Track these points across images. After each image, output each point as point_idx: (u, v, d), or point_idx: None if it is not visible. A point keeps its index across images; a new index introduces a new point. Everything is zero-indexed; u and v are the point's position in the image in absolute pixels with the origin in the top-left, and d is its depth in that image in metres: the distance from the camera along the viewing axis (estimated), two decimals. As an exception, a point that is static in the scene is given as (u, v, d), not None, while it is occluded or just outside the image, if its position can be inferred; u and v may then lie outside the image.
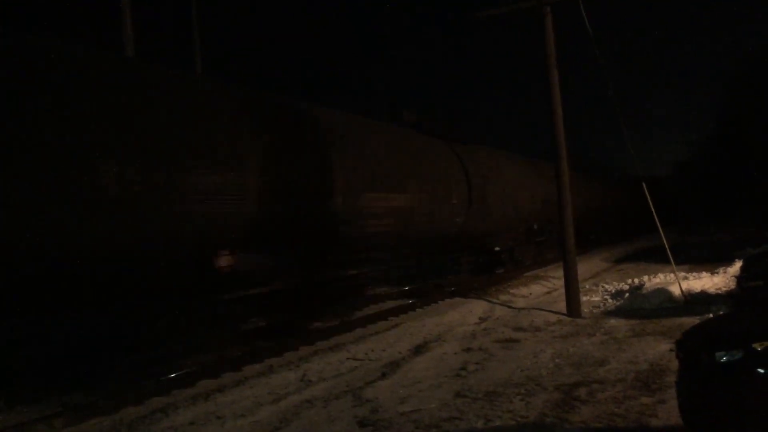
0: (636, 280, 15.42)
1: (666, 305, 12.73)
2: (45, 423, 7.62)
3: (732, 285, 13.54)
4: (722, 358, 4.71)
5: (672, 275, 14.22)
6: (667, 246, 14.02)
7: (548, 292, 16.88)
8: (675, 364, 5.46)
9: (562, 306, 13.06)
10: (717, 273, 15.39)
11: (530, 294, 16.99)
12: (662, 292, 13.30)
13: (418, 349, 10.64)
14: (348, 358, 10.27)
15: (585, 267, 20.19)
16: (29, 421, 7.71)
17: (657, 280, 14.90)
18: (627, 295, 13.93)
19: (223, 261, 9.12)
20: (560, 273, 14.05)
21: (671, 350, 8.17)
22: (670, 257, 13.84)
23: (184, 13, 20.06)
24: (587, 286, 16.30)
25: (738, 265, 14.14)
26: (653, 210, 13.79)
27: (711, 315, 10.62)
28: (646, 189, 14.06)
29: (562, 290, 13.35)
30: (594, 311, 13.12)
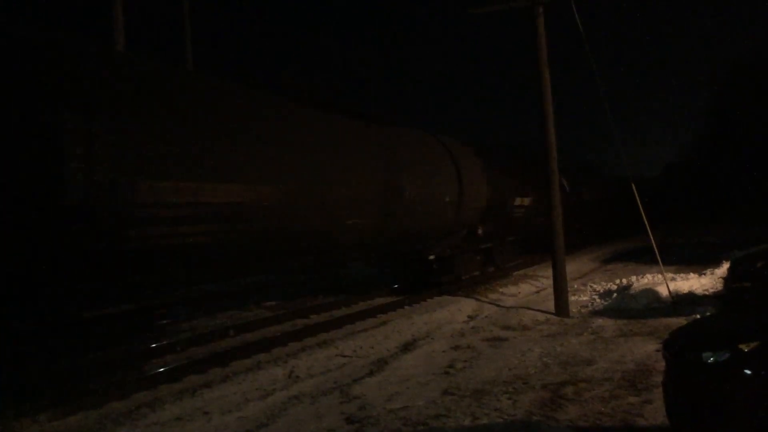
0: (624, 281, 15.48)
1: (653, 306, 12.79)
2: (30, 417, 7.56)
3: (719, 286, 13.63)
4: (709, 358, 4.73)
5: (660, 276, 14.29)
6: (655, 246, 14.08)
7: (537, 292, 16.94)
8: (662, 364, 5.49)
9: (550, 305, 13.10)
10: (704, 274, 15.48)
11: (519, 293, 17.04)
12: (650, 293, 13.36)
13: (407, 347, 10.64)
14: (336, 355, 10.26)
15: (573, 266, 20.28)
16: (13, 415, 7.65)
17: (645, 280, 14.97)
18: (615, 295, 13.98)
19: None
20: (549, 272, 14.09)
21: (658, 350, 8.22)
22: (658, 258, 13.90)
23: (176, 5, 19.94)
24: (576, 286, 16.35)
25: (725, 266, 14.23)
26: (642, 210, 13.84)
27: (698, 316, 10.68)
28: (635, 189, 14.09)
29: (551, 289, 13.40)
30: (582, 311, 13.17)
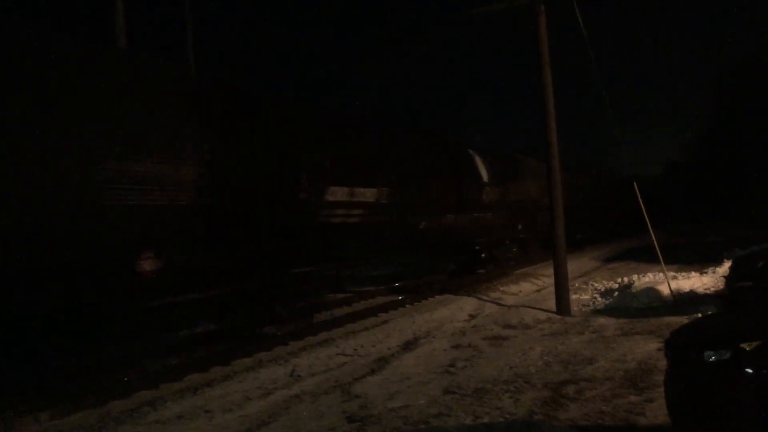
0: (625, 279, 15.47)
1: (655, 304, 12.78)
2: (31, 416, 7.56)
3: (721, 285, 13.61)
4: (711, 357, 4.72)
5: (661, 275, 14.28)
6: (656, 245, 14.07)
7: (538, 290, 16.93)
8: (663, 363, 5.48)
9: (551, 304, 13.10)
10: (706, 273, 15.47)
11: (520, 292, 17.04)
12: (651, 292, 13.35)
13: (408, 346, 10.64)
14: (337, 354, 10.25)
15: (575, 265, 20.25)
16: (15, 414, 7.65)
17: (646, 279, 14.95)
18: (616, 293, 13.97)
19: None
20: (550, 271, 14.08)
21: (660, 349, 8.21)
22: (660, 257, 13.89)
23: (178, 6, 19.97)
24: (577, 285, 16.34)
25: (727, 265, 14.21)
26: (644, 210, 13.83)
27: (700, 315, 10.66)
28: (637, 189, 14.09)
29: (552, 288, 13.39)
30: (583, 309, 13.17)
